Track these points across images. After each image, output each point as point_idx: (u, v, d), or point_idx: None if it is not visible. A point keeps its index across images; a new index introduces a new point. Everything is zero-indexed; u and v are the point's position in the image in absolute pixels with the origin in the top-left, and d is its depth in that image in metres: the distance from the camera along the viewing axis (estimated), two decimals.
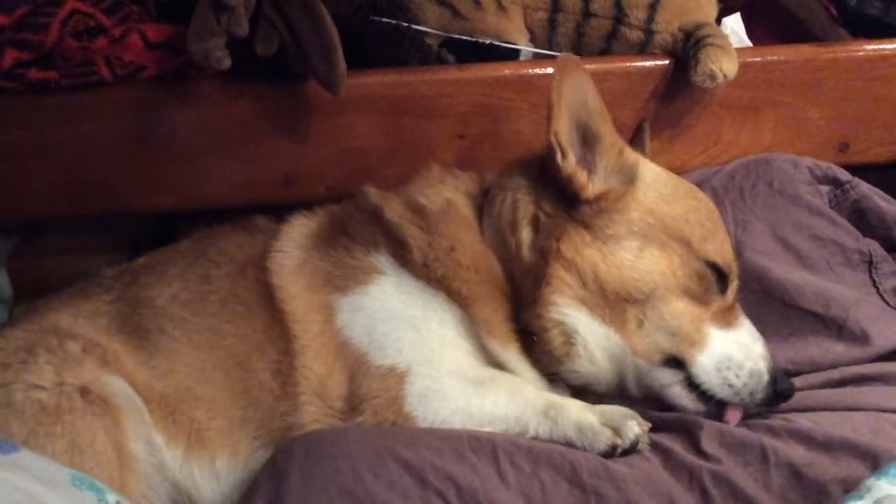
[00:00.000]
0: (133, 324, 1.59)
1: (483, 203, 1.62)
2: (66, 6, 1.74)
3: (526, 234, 1.55)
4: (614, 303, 1.48)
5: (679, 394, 1.50)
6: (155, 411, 1.53)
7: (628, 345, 1.49)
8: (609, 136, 1.53)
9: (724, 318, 1.51)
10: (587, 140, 1.53)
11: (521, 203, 1.57)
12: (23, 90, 1.78)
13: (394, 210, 1.60)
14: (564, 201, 1.54)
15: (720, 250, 1.52)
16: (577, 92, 1.50)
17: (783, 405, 1.50)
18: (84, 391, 1.47)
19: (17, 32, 1.73)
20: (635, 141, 1.78)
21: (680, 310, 1.48)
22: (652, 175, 1.57)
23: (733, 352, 1.48)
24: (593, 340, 1.50)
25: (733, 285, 1.54)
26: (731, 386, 1.47)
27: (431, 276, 1.53)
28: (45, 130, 1.83)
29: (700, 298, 1.49)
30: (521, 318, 1.53)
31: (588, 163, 1.53)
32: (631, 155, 1.56)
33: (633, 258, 1.48)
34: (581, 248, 1.49)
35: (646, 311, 1.48)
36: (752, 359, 1.48)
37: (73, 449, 1.43)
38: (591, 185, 1.52)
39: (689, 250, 1.49)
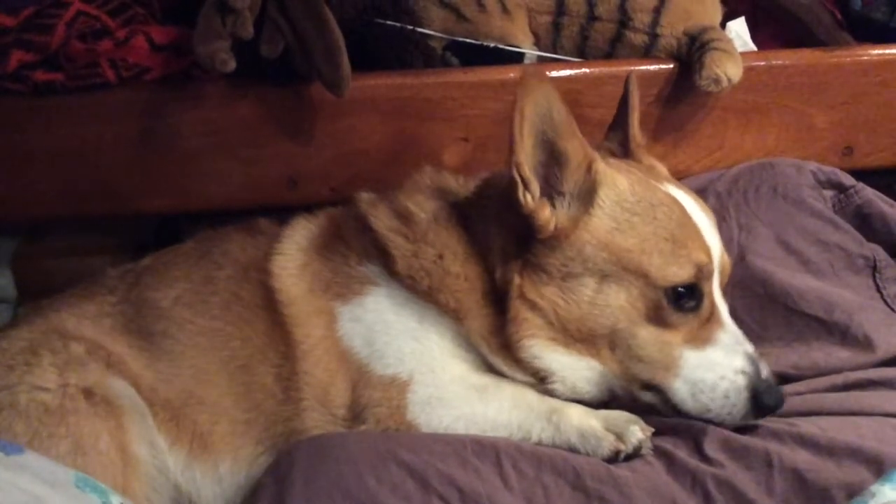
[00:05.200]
0: (137, 326, 1.59)
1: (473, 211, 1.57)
2: (71, 8, 1.74)
3: (497, 263, 1.50)
4: (583, 337, 1.46)
5: (664, 412, 1.48)
6: (159, 414, 1.54)
7: (608, 370, 1.48)
8: (576, 155, 1.44)
9: (700, 336, 1.46)
10: (554, 157, 1.45)
11: (491, 230, 1.51)
12: (28, 91, 1.79)
13: (380, 219, 1.57)
14: (523, 238, 1.47)
15: (689, 263, 1.44)
16: (541, 109, 1.40)
17: (786, 410, 1.49)
18: (88, 393, 1.48)
19: (22, 34, 1.73)
20: (622, 100, 1.69)
21: (648, 339, 1.45)
22: (612, 196, 1.46)
23: (706, 374, 1.44)
24: (572, 375, 1.48)
25: (711, 292, 1.47)
26: (708, 410, 1.44)
27: (417, 288, 1.50)
28: (49, 132, 1.83)
29: (668, 323, 1.45)
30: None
31: (555, 182, 1.46)
32: (598, 171, 1.46)
33: (591, 294, 1.45)
34: (541, 288, 1.46)
35: (615, 343, 1.46)
36: (728, 377, 1.43)
37: (76, 450, 1.43)
38: (554, 218, 1.44)
39: (646, 282, 1.43)
